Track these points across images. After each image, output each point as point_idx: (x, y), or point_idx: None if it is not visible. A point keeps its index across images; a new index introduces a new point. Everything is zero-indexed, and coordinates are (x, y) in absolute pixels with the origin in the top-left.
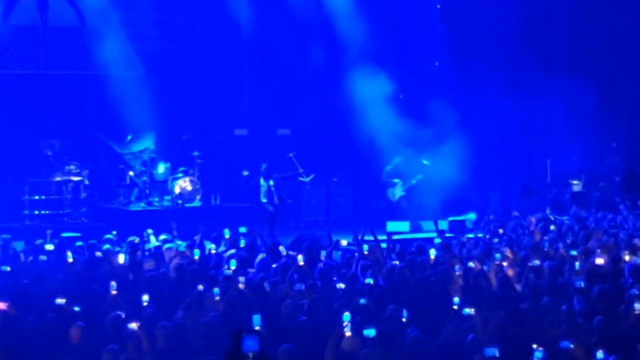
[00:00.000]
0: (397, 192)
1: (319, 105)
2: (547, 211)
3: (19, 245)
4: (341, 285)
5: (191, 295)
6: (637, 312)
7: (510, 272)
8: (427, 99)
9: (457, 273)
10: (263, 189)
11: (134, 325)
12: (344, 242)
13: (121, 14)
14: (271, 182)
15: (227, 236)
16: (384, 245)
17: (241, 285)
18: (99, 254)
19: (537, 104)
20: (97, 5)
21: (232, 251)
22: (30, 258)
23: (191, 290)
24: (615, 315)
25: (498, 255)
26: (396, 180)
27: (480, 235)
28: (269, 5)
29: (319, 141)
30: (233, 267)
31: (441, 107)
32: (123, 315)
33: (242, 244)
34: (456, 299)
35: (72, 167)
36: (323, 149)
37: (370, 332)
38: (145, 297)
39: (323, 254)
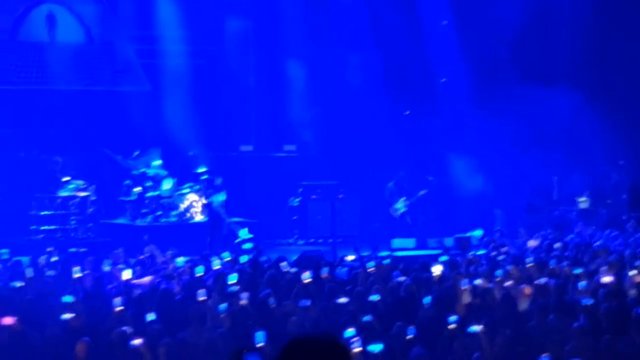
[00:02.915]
0: (400, 208)
1: (325, 122)
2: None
3: (24, 260)
4: (343, 300)
5: (196, 311)
6: None
7: (527, 290)
8: (433, 115)
9: (464, 289)
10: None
11: (137, 342)
12: (349, 258)
13: (128, 30)
14: (223, 197)
15: (227, 258)
16: (387, 261)
17: (243, 302)
18: (107, 268)
19: (544, 120)
20: (105, 22)
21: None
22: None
23: (196, 306)
24: (622, 333)
25: (499, 272)
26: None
27: (482, 252)
28: (275, 21)
29: (325, 157)
30: (233, 281)
31: (447, 123)
32: (129, 331)
33: (244, 259)
34: (453, 318)
35: (79, 182)
36: (329, 165)
37: (375, 348)
38: (151, 316)
39: (325, 270)
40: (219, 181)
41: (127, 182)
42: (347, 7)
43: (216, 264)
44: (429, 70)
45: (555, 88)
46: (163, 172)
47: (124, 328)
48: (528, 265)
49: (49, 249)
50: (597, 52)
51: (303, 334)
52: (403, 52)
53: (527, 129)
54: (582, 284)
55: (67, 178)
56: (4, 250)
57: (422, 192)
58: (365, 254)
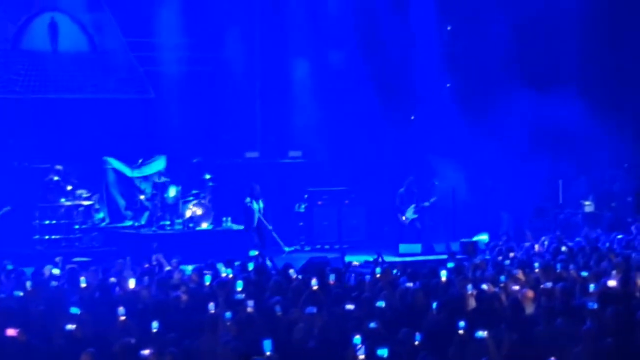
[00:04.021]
0: (409, 214)
1: (331, 127)
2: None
3: (28, 271)
4: (350, 307)
5: (204, 320)
6: None
7: (529, 294)
8: (439, 119)
9: (470, 293)
10: (255, 213)
11: (146, 352)
12: (355, 263)
13: (131, 37)
14: (261, 205)
15: (224, 274)
16: (395, 271)
17: (250, 309)
18: (113, 279)
19: (549, 124)
20: (107, 30)
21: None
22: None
23: (203, 315)
24: (629, 337)
25: (502, 277)
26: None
27: (488, 257)
28: (280, 28)
29: (331, 163)
30: (239, 289)
31: (453, 127)
32: (133, 341)
33: (251, 267)
34: (462, 324)
35: (83, 191)
36: (335, 171)
37: (383, 352)
38: (155, 324)
39: (332, 277)
40: (257, 188)
41: (132, 190)
42: (347, 13)
43: (223, 272)
44: (432, 74)
45: (560, 92)
46: (168, 180)
47: (129, 338)
48: (535, 270)
49: (57, 259)
50: (602, 55)
51: None
52: (406, 57)
53: (532, 132)
54: (588, 287)
55: (70, 187)
56: (6, 261)
57: (432, 200)
58: (372, 258)
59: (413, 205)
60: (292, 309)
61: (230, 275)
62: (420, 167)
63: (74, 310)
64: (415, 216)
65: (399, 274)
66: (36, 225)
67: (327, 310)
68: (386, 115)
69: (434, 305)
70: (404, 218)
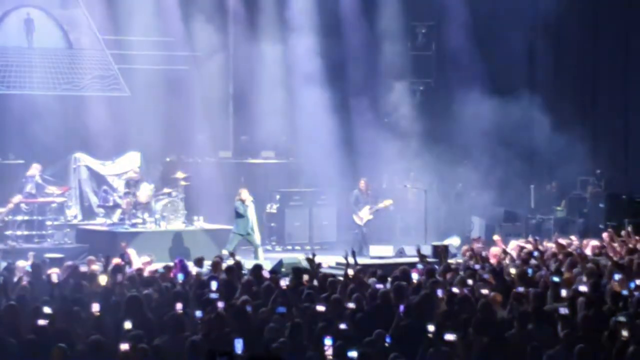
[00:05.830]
0: (364, 216)
1: (303, 128)
2: (529, 237)
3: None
4: (321, 308)
5: (171, 317)
6: (624, 338)
7: (498, 298)
8: (412, 122)
9: (441, 297)
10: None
11: (125, 347)
12: (326, 265)
13: (106, 35)
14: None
15: (195, 273)
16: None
17: (220, 309)
18: (82, 269)
19: (522, 129)
20: (82, 27)
21: None
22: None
23: (172, 313)
24: (599, 342)
25: (476, 280)
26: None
27: (460, 260)
28: (254, 27)
29: (303, 164)
30: (214, 288)
31: (425, 130)
32: (102, 339)
33: (224, 266)
34: (431, 327)
35: (55, 188)
36: (307, 172)
37: (353, 354)
38: (128, 325)
39: (305, 277)
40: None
41: (105, 187)
42: (321, 16)
43: (194, 271)
44: (406, 76)
45: (535, 98)
46: (141, 178)
47: (99, 335)
48: (506, 273)
49: (30, 254)
50: (577, 61)
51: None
52: (379, 59)
53: (505, 138)
54: (562, 292)
55: (43, 183)
56: None
57: (387, 202)
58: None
59: (367, 207)
60: (262, 308)
61: (195, 273)
62: (392, 168)
63: (45, 306)
64: (371, 217)
65: (369, 274)
66: (9, 221)
67: (298, 310)
68: (359, 117)
69: (401, 307)
70: (361, 216)
